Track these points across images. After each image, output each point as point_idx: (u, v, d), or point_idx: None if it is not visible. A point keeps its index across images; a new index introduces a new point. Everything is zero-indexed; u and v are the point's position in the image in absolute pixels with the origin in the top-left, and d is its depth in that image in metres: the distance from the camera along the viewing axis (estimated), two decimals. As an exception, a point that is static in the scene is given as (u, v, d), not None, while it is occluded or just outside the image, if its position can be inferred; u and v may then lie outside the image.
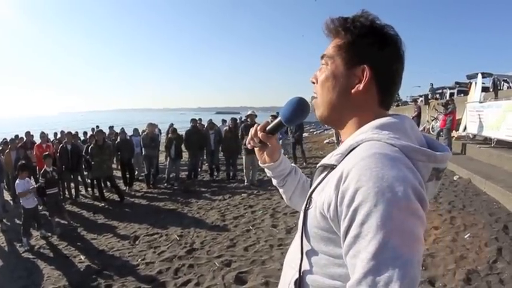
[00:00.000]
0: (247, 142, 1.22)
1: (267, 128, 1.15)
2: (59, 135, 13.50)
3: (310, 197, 0.88)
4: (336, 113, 0.93)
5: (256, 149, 1.24)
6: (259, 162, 1.28)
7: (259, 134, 1.15)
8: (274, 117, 11.23)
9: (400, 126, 0.83)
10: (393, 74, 0.89)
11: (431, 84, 23.38)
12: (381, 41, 0.87)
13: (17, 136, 11.80)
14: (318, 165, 0.94)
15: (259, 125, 1.18)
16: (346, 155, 0.82)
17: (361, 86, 0.87)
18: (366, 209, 0.68)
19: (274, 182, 1.31)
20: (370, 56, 0.87)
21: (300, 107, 1.04)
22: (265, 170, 1.28)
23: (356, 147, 0.81)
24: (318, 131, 26.01)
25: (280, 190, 1.32)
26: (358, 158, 0.75)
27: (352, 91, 0.89)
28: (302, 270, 0.89)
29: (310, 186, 0.95)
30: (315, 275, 0.86)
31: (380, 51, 0.87)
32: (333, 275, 0.82)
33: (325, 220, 0.79)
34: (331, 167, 0.85)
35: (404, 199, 0.68)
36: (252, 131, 1.18)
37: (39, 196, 6.41)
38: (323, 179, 0.87)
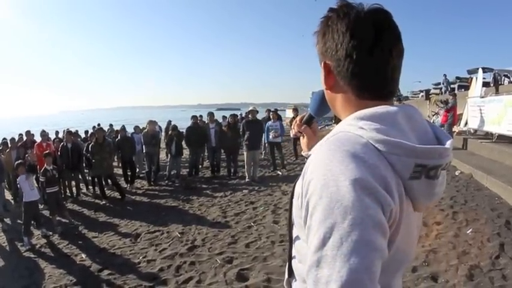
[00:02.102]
0: (291, 130, 1.36)
1: (302, 120, 1.26)
2: (60, 134, 13.48)
3: (294, 186, 0.90)
4: (333, 108, 0.95)
5: (300, 138, 1.34)
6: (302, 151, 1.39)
7: (297, 124, 1.28)
8: (271, 112, 11.26)
9: (387, 116, 0.77)
10: (357, 64, 0.80)
11: (445, 75, 21.79)
12: (336, 34, 0.83)
13: (21, 135, 11.77)
14: (308, 154, 0.94)
15: (301, 116, 1.30)
16: None
17: (323, 83, 0.90)
18: (313, 201, 0.68)
19: None
20: (326, 51, 0.86)
21: (323, 99, 1.09)
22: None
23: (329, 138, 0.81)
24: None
25: None
26: (319, 150, 0.76)
27: (325, 88, 0.91)
28: (292, 257, 0.94)
29: None
30: (299, 263, 0.90)
31: (328, 42, 0.84)
32: None
33: (299, 209, 0.81)
34: None
35: (349, 194, 0.64)
36: (294, 121, 1.32)
37: (28, 172, 6.44)
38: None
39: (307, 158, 1.32)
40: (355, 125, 0.77)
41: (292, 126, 1.31)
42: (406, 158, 0.72)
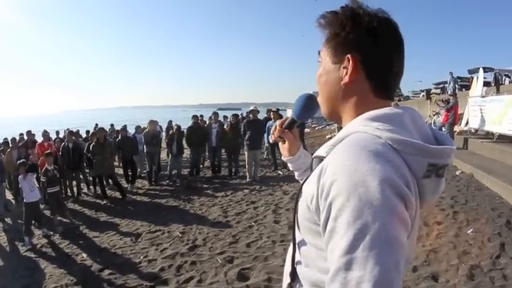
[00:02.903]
0: (269, 136, 1.31)
1: (284, 124, 1.23)
2: (61, 134, 13.50)
3: (300, 188, 0.88)
4: (333, 107, 0.93)
5: (279, 143, 1.31)
6: (282, 156, 1.37)
7: (277, 129, 1.24)
8: (272, 111, 11.25)
9: (396, 117, 0.79)
10: (383, 60, 0.85)
11: (451, 73, 20.25)
12: (365, 28, 0.84)
13: (21, 135, 11.79)
14: (313, 156, 0.93)
15: (281, 120, 1.26)
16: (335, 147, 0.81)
17: (347, 78, 0.86)
18: (339, 203, 0.66)
19: (296, 175, 1.36)
20: (354, 44, 0.85)
21: (307, 103, 1.09)
22: (288, 163, 1.35)
23: (344, 139, 0.80)
24: (320, 126, 25.95)
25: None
26: (338, 151, 0.75)
27: (342, 83, 0.87)
28: (295, 262, 0.90)
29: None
30: (306, 267, 0.87)
31: (365, 38, 0.84)
32: (322, 269, 0.80)
33: (310, 212, 0.79)
34: (321, 159, 0.84)
35: (379, 194, 0.65)
36: (273, 126, 1.27)
37: (28, 171, 6.46)
38: (313, 170, 0.86)
39: (291, 164, 1.29)
40: (370, 126, 0.78)
41: (272, 132, 1.27)
42: (420, 157, 0.75)
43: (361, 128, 0.78)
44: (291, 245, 0.98)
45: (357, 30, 0.84)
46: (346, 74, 0.86)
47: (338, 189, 0.67)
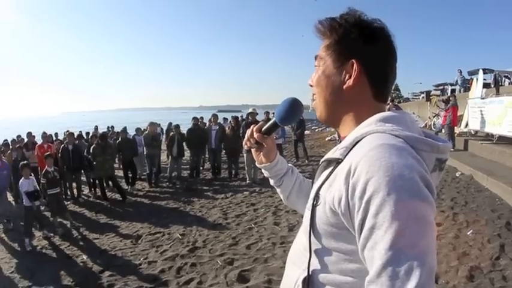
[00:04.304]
0: (243, 143, 1.23)
1: (263, 129, 1.16)
2: (60, 136, 13.52)
3: (317, 193, 0.86)
4: (333, 111, 0.95)
5: (252, 150, 1.25)
6: (256, 163, 1.31)
7: (255, 135, 1.17)
8: (268, 113, 11.21)
9: (402, 119, 0.84)
10: (384, 66, 0.90)
11: (460, 71, 19.46)
12: (368, 35, 0.88)
13: (19, 136, 11.81)
14: (322, 160, 0.94)
15: (255, 125, 1.19)
16: (351, 148, 0.82)
17: (351, 81, 0.89)
18: (379, 199, 0.67)
19: (271, 181, 1.32)
20: (358, 50, 0.88)
21: (293, 107, 1.06)
22: (262, 170, 1.30)
23: (361, 140, 0.81)
24: (320, 129, 25.93)
25: (278, 190, 1.33)
26: (366, 150, 0.75)
27: (344, 87, 0.90)
28: (311, 268, 0.88)
29: (313, 183, 0.95)
30: (325, 272, 0.85)
31: (368, 45, 0.88)
32: (344, 271, 0.81)
33: (335, 216, 0.78)
34: (337, 161, 0.84)
35: (416, 186, 0.68)
36: (248, 132, 1.20)
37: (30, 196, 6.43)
38: (330, 173, 0.85)
39: (267, 171, 1.27)
40: (385, 126, 0.81)
41: (247, 137, 1.20)
42: (431, 153, 0.80)
43: (379, 129, 0.81)
44: (297, 250, 0.97)
45: (362, 37, 0.88)
46: (350, 78, 0.89)
47: (376, 185, 0.68)
